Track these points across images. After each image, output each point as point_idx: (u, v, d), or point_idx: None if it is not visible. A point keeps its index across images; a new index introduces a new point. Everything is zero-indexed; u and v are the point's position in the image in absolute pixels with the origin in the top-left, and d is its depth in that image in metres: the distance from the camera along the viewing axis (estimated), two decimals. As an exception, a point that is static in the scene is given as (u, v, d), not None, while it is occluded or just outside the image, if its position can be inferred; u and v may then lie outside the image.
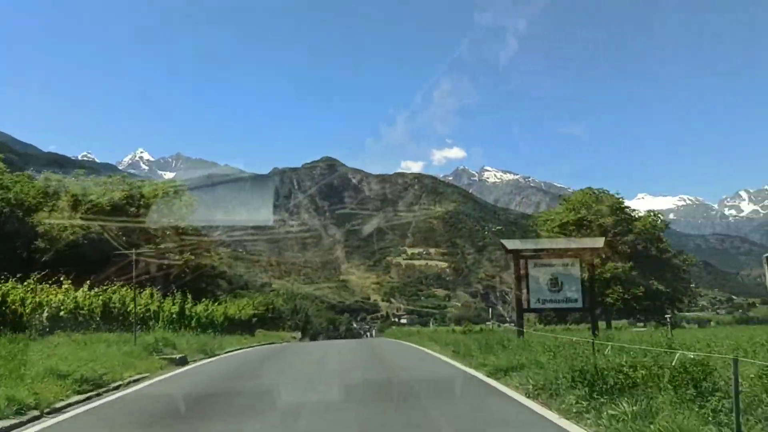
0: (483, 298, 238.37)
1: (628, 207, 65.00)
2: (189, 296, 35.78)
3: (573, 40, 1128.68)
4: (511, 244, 29.24)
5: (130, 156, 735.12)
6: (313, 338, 78.76)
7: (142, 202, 44.62)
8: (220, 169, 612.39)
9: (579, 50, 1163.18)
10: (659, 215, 67.23)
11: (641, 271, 57.75)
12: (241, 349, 30.30)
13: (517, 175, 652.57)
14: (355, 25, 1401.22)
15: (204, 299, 41.24)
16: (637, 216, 64.41)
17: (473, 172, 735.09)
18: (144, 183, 52.20)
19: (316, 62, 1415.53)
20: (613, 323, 68.80)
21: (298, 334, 68.53)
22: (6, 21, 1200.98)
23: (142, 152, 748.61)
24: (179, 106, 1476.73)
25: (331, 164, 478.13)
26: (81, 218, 39.65)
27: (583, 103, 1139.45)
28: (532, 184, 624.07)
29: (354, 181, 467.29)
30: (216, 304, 43.40)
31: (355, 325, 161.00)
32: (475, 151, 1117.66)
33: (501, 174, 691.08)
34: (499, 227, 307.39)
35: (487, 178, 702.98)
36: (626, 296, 56.12)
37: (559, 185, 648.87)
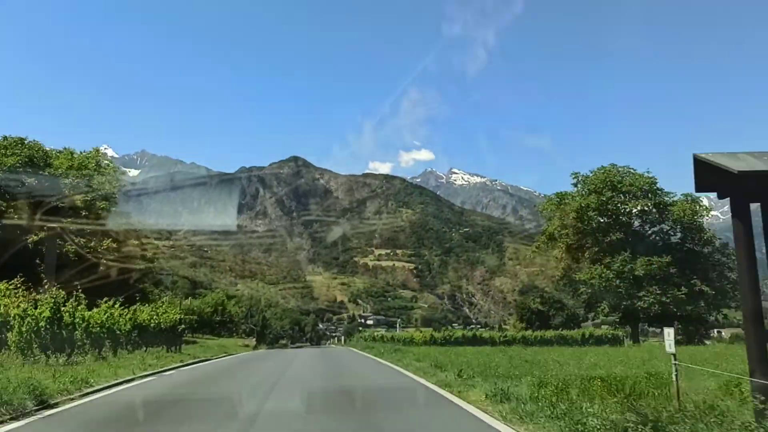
0: (449, 300, 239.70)
1: (661, 189, 51.01)
2: (118, 302, 27.80)
3: (540, 52, 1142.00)
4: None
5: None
6: (272, 344, 74.48)
7: (47, 172, 35.06)
8: (186, 167, 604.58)
9: (546, 61, 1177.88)
10: (699, 201, 51.75)
11: (680, 268, 46.36)
12: (117, 384, 15.44)
13: (485, 177, 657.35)
14: (325, 29, 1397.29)
15: (146, 304, 35.63)
16: (672, 200, 51.08)
17: (441, 174, 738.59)
18: (55, 152, 40.95)
19: (285, 63, 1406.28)
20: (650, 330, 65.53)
21: (253, 341, 60.41)
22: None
23: (106, 148, 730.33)
24: (145, 103, 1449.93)
25: (298, 164, 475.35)
26: None
27: (547, 112, 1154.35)
28: (498, 188, 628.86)
29: (322, 181, 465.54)
30: (144, 306, 34.91)
31: (321, 326, 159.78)
32: (443, 153, 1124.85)
33: (468, 177, 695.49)
34: (467, 229, 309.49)
35: (455, 180, 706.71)
36: (665, 298, 44.32)
37: (525, 188, 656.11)
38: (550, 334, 53.19)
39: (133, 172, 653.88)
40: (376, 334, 71.95)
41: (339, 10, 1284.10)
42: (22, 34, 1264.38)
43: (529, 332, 56.19)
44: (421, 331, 61.39)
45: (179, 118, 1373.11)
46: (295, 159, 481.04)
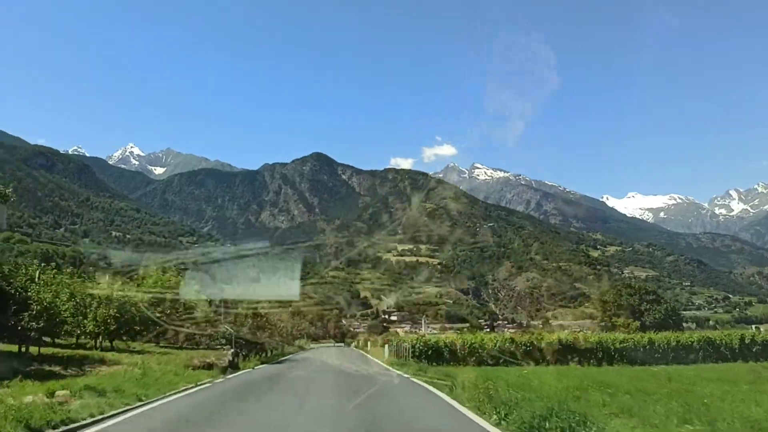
0: (474, 295, 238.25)
1: None
2: None
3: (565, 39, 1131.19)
4: None
5: (120, 150, 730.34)
6: (274, 357, 47.10)
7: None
8: (210, 164, 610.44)
9: (570, 42, 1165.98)
10: None
11: None
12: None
13: (508, 172, 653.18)
14: (347, 28, 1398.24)
15: None
16: None
17: (463, 169, 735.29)
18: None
19: (309, 61, 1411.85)
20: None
21: (227, 355, 30.69)
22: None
23: (132, 147, 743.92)
24: (170, 102, 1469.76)
25: (321, 160, 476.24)
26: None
27: (575, 103, 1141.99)
28: (522, 182, 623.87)
29: (344, 176, 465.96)
30: None
31: (344, 322, 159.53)
32: (465, 148, 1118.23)
33: (491, 171, 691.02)
34: (491, 224, 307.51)
35: (478, 175, 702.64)
36: None
37: (549, 183, 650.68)
38: (685, 337, 35.87)
39: (158, 170, 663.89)
40: (411, 338, 40.01)
41: (359, 12, 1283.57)
42: (55, 40, 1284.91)
43: (637, 334, 39.80)
44: (501, 331, 50.13)
45: (203, 116, 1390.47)
46: (318, 155, 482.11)
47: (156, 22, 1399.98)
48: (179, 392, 17.29)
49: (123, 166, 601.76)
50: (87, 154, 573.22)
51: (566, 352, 32.08)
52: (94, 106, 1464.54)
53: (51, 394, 12.50)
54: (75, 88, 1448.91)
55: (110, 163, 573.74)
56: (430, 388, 17.93)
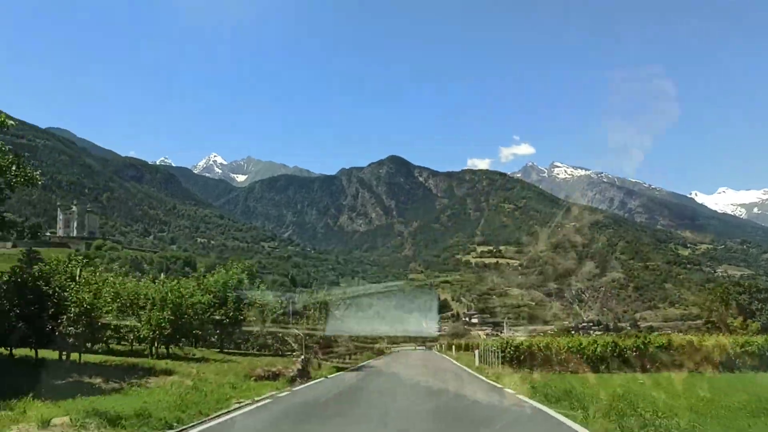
0: (557, 297, 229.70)
1: None
2: None
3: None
4: None
5: (204, 160, 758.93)
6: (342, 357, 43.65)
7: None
8: (289, 170, 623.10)
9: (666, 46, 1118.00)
10: None
11: None
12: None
13: (589, 170, 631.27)
14: (425, 33, 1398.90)
15: None
16: None
17: (542, 169, 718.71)
18: None
19: (385, 64, 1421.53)
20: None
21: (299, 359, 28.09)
22: (85, 36, 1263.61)
23: (215, 156, 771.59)
24: (250, 112, 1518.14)
25: (397, 162, 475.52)
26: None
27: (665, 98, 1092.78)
28: (604, 180, 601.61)
29: (420, 179, 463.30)
30: None
31: (424, 325, 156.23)
32: (544, 147, 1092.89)
33: (572, 170, 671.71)
34: (573, 223, 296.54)
35: (557, 174, 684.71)
36: None
37: (633, 180, 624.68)
38: None
39: (240, 177, 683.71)
40: (499, 341, 34.24)
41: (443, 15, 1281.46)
42: (143, 64, 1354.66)
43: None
44: (586, 334, 42.88)
45: (281, 124, 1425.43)
46: (394, 158, 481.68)
47: (232, 39, 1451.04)
48: (227, 412, 13.99)
49: (207, 174, 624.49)
50: (173, 165, 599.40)
51: (678, 356, 27.07)
52: (180, 120, 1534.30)
53: (45, 423, 10.06)
54: (163, 104, 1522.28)
55: (195, 172, 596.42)
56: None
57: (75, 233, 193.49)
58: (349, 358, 44.87)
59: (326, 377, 27.24)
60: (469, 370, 31.78)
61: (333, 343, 40.75)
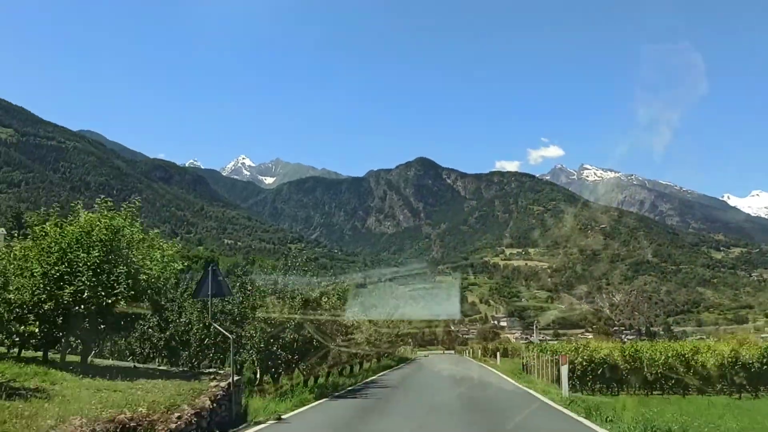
0: (587, 300, 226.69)
1: None
2: None
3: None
4: None
5: (232, 162, 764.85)
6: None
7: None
8: (317, 172, 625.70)
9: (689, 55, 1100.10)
10: None
11: None
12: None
13: (619, 173, 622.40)
14: (455, 35, 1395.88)
15: None
16: None
17: (572, 171, 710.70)
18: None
19: (412, 65, 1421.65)
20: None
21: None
22: (117, 42, 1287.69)
23: (243, 159, 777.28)
24: (278, 115, 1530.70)
25: (425, 164, 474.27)
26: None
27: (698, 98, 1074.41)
28: (635, 182, 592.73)
29: (448, 180, 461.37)
30: None
31: (452, 328, 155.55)
32: (573, 149, 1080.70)
33: (601, 172, 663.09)
34: (603, 226, 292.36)
35: (587, 176, 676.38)
36: None
37: (664, 182, 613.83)
38: None
39: (268, 180, 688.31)
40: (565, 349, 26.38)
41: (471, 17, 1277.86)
42: (173, 71, 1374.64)
43: None
44: (617, 339, 41.24)
45: (309, 126, 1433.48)
46: (422, 160, 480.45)
47: (262, 43, 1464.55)
48: None
49: (235, 176, 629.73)
50: (202, 167, 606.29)
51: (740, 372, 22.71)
52: (209, 122, 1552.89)
53: None
54: (192, 107, 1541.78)
55: (223, 174, 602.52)
56: None
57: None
58: (360, 367, 37.04)
59: (281, 419, 13.59)
60: (545, 400, 17.76)
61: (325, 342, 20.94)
